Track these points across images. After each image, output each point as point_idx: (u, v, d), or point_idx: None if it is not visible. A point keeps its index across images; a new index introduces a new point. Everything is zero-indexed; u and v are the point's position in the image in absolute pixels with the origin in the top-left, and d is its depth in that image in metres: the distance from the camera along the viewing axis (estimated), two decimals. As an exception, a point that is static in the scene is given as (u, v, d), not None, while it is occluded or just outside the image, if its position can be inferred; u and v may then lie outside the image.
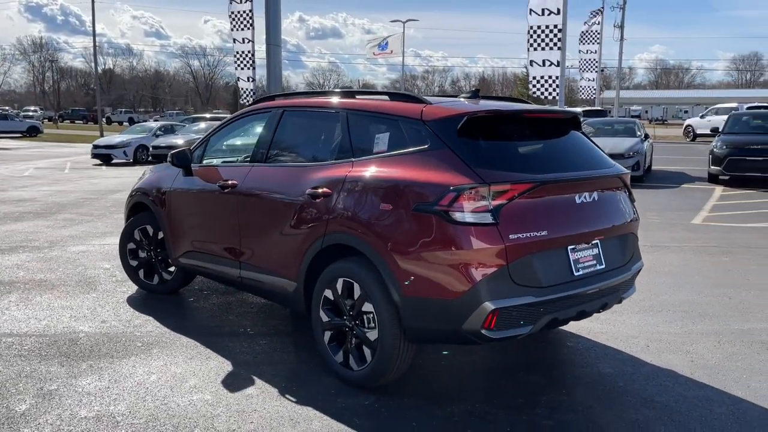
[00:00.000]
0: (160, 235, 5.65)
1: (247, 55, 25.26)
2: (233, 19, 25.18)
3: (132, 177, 17.51)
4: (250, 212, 4.58)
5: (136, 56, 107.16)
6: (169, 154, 5.26)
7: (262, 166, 4.61)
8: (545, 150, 3.88)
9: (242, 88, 25.81)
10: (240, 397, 3.76)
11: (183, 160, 5.15)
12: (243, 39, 25.16)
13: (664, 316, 5.16)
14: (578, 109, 28.93)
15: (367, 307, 3.70)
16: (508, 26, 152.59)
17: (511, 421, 3.47)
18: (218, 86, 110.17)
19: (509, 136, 3.79)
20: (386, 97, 4.15)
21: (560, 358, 4.45)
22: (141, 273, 5.88)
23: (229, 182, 4.73)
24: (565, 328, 4.77)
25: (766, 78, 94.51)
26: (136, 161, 22.42)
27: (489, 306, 3.30)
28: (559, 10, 18.43)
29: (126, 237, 5.89)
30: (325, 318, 4.01)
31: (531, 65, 18.76)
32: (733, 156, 13.50)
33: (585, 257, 3.69)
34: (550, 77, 18.62)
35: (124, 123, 66.37)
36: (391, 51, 35.76)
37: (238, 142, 5.49)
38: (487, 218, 3.32)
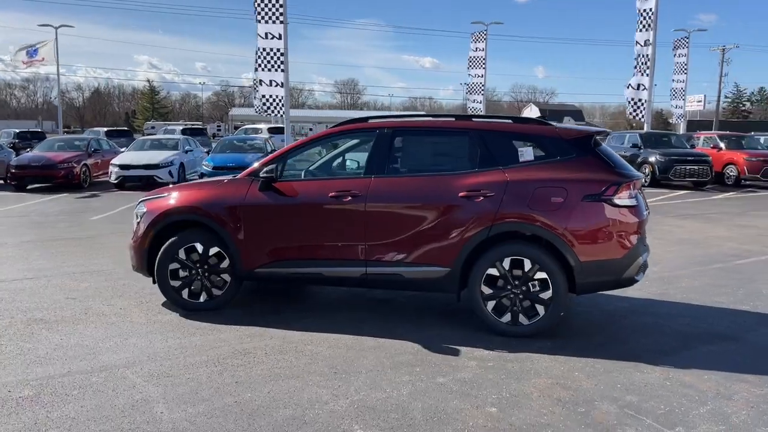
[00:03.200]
0: (211, 251, 5.69)
1: None
2: None
3: None
4: (384, 216, 5.28)
5: None
6: (262, 171, 5.51)
7: (386, 177, 5.36)
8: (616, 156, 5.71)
9: None
10: (471, 359, 4.69)
11: (271, 175, 5.50)
12: None
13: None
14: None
15: (540, 275, 5.03)
16: (107, 34, 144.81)
17: (644, 338, 5.26)
18: None
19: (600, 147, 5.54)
20: (510, 120, 5.49)
21: (605, 305, 6.18)
22: (185, 293, 5.75)
23: (351, 192, 5.34)
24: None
25: (363, 100, 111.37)
26: None
27: (642, 259, 5.06)
28: (280, 35, 20.13)
29: (167, 258, 5.68)
30: (488, 291, 5.15)
31: (260, 84, 20.02)
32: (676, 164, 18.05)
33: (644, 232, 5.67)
34: (276, 96, 20.14)
35: None
36: (43, 59, 32.27)
37: (331, 158, 5.94)
38: (634, 202, 5.06)
